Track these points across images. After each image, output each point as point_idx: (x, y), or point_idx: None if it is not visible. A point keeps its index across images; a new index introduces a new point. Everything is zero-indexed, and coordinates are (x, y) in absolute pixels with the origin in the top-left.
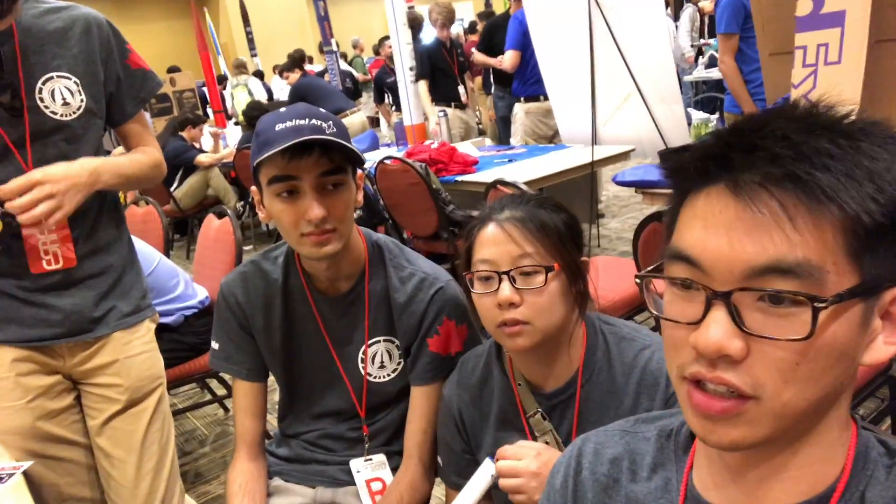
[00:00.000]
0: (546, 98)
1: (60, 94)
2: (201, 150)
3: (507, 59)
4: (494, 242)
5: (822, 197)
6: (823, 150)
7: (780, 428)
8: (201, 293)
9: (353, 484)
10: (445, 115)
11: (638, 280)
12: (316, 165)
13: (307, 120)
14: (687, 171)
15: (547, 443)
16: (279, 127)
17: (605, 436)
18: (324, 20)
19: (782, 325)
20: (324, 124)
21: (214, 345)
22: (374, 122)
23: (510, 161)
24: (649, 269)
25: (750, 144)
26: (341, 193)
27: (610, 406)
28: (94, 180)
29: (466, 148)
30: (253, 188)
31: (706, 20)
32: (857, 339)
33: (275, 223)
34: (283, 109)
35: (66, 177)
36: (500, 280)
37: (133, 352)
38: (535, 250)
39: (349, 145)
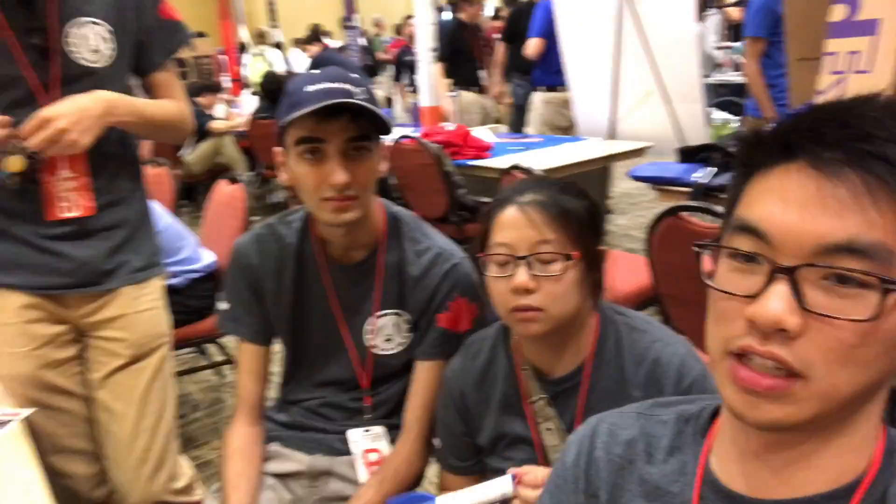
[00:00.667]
0: (565, 88)
1: (91, 41)
2: (216, 117)
3: (531, 47)
4: (514, 226)
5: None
6: None
7: (824, 412)
8: (207, 257)
9: (351, 454)
10: (457, 95)
11: (697, 248)
12: (344, 130)
13: (339, 84)
14: (768, 145)
15: (549, 429)
16: (309, 88)
17: (620, 417)
18: None
19: (844, 305)
20: (355, 89)
21: (224, 305)
22: (388, 102)
23: (525, 149)
24: (709, 241)
25: (842, 121)
26: (366, 160)
27: (618, 396)
28: (108, 111)
29: (482, 133)
30: (277, 149)
31: (731, 26)
32: None
33: (296, 185)
34: (315, 71)
35: (77, 110)
36: (517, 265)
37: (141, 307)
38: (555, 237)
39: (379, 112)
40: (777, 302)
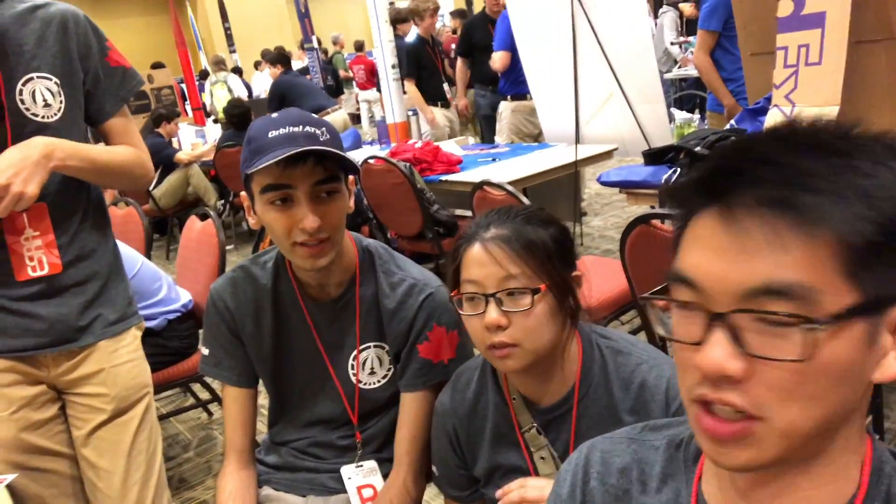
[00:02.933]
0: (531, 97)
1: (41, 96)
2: (179, 148)
3: (498, 60)
4: (480, 263)
5: (810, 218)
6: (809, 171)
7: (790, 448)
8: (184, 296)
9: (344, 491)
10: (416, 113)
11: (642, 300)
12: (311, 174)
13: (301, 127)
14: (683, 196)
15: (542, 458)
16: (272, 134)
17: (612, 443)
18: (304, 17)
19: (780, 345)
20: (317, 131)
21: (204, 350)
22: (355, 118)
23: (494, 160)
24: (654, 290)
25: (735, 169)
26: (335, 201)
27: (608, 421)
28: (47, 155)
29: (450, 147)
30: (243, 194)
31: (685, 22)
32: (863, 357)
33: (267, 231)
34: (275, 115)
35: (13, 162)
36: (487, 302)
37: (119, 360)
38: (520, 271)
39: (344, 154)
40: (717, 350)
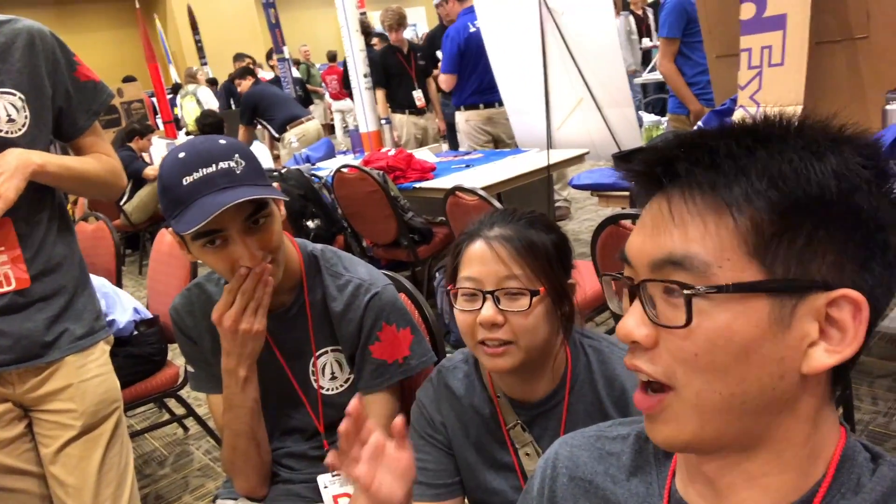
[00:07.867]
0: (485, 106)
1: (5, 111)
2: (149, 162)
3: (444, 83)
4: (481, 260)
5: (710, 195)
6: (722, 152)
7: (709, 425)
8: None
9: (321, 501)
10: (389, 122)
11: (603, 277)
12: (238, 213)
13: (214, 166)
14: (638, 184)
15: (527, 454)
16: (187, 181)
17: (582, 438)
18: (275, 28)
19: (673, 314)
20: (231, 164)
21: (190, 368)
22: (329, 129)
23: (467, 166)
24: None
25: (666, 159)
26: (269, 226)
27: (596, 417)
28: (25, 162)
29: (424, 154)
30: (169, 230)
31: (649, 16)
32: (764, 336)
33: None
34: (182, 155)
35: (15, 166)
36: (485, 299)
37: (88, 375)
38: (521, 272)
39: (265, 185)
40: (630, 317)
